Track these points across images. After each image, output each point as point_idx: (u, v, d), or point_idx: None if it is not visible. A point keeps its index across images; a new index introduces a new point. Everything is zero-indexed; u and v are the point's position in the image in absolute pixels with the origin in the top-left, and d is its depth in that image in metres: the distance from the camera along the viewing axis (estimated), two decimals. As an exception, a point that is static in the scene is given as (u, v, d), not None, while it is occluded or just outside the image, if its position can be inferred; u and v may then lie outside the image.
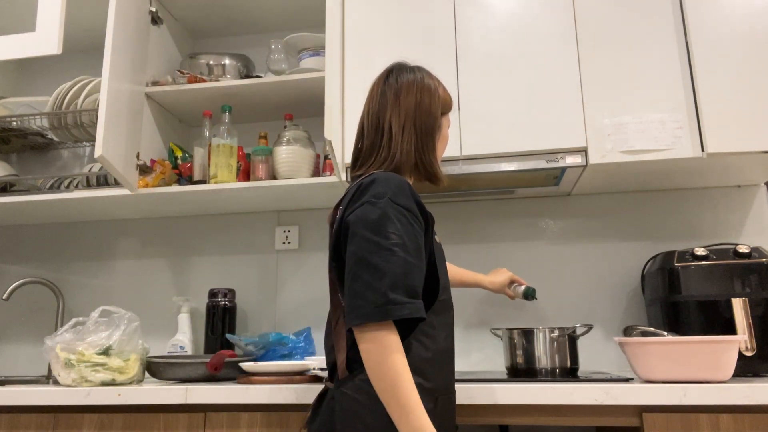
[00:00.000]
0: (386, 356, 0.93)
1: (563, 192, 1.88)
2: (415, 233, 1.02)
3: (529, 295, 1.61)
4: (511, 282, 1.66)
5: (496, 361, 1.85)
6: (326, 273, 2.01)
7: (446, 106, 1.21)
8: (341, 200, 1.10)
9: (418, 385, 0.97)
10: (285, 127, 1.91)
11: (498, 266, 1.90)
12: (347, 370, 1.03)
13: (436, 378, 1.04)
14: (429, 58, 1.70)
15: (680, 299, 1.51)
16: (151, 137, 1.95)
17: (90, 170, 2.02)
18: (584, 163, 1.57)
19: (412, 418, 0.91)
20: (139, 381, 1.57)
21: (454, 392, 1.12)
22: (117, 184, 1.91)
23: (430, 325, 1.06)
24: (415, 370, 0.99)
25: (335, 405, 1.02)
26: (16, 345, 2.18)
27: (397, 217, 1.00)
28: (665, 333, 1.35)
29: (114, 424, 1.41)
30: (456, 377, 1.44)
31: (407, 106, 1.13)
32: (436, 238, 1.15)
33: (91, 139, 2.09)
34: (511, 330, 1.55)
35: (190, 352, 1.92)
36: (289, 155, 1.82)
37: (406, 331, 1.02)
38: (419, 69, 1.20)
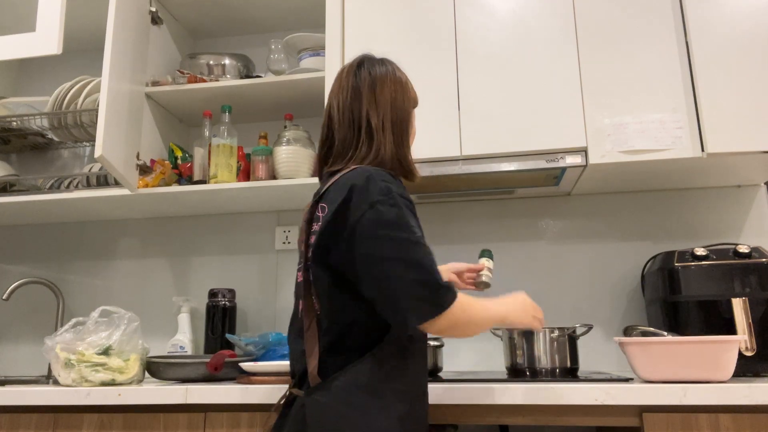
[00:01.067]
0: (465, 322, 0.99)
1: (563, 192, 1.88)
2: (420, 225, 1.04)
3: (486, 254, 1.50)
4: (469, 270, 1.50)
5: (496, 361, 1.85)
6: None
7: (415, 101, 1.21)
8: (322, 196, 1.06)
9: (394, 389, 1.00)
10: (285, 127, 1.91)
11: (498, 266, 1.90)
12: (319, 376, 1.00)
13: (414, 380, 1.05)
14: (429, 58, 1.70)
15: (680, 299, 1.51)
16: (151, 137, 1.95)
17: (90, 170, 2.02)
18: (584, 163, 1.57)
19: (495, 313, 1.06)
20: (139, 381, 1.57)
21: (427, 393, 1.11)
22: (117, 184, 1.91)
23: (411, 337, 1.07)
24: (390, 376, 1.01)
25: (306, 414, 0.98)
26: (16, 345, 2.18)
27: (408, 212, 1.01)
28: (665, 333, 1.35)
29: (114, 424, 1.40)
30: (456, 377, 1.45)
31: (384, 101, 1.11)
32: None
33: (91, 139, 2.09)
34: (511, 330, 1.55)
35: (190, 352, 1.92)
36: (289, 155, 1.82)
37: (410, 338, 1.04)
38: (389, 62, 1.19)
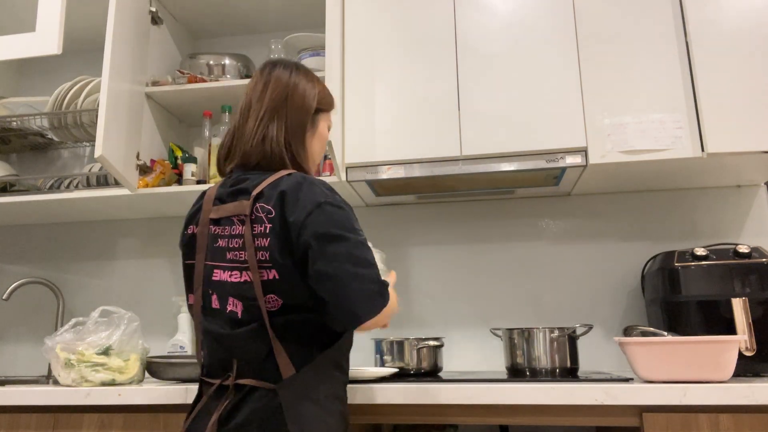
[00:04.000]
0: (391, 313, 1.08)
1: (563, 192, 1.88)
2: None
3: None
4: None
5: (496, 361, 1.85)
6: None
7: (323, 103, 1.22)
8: (258, 197, 1.07)
9: (339, 379, 1.11)
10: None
11: (498, 266, 1.90)
12: (293, 368, 1.03)
13: (346, 369, 1.15)
14: (429, 58, 1.70)
15: (680, 299, 1.51)
16: (151, 137, 1.95)
17: (90, 170, 2.02)
18: (584, 163, 1.57)
19: (394, 299, 1.10)
20: (139, 381, 1.57)
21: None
22: (117, 184, 1.91)
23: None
24: (338, 365, 1.11)
25: (283, 404, 1.00)
26: (16, 345, 2.18)
27: (353, 216, 1.09)
28: (665, 333, 1.35)
29: (114, 424, 1.40)
30: (456, 377, 1.45)
31: (274, 99, 1.15)
32: None
33: (91, 139, 2.09)
34: (511, 330, 1.55)
35: (190, 352, 1.92)
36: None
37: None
38: (296, 66, 1.22)
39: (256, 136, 1.13)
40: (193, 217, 1.19)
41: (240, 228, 1.08)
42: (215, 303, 1.10)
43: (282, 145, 1.14)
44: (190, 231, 1.18)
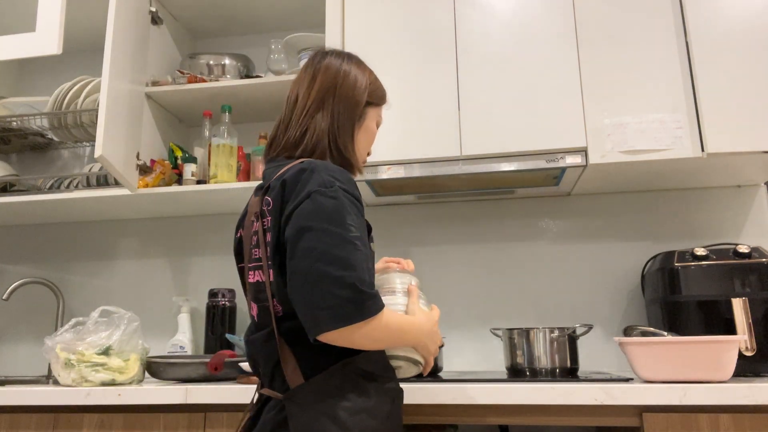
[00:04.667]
0: (379, 339, 0.93)
1: (563, 192, 1.88)
2: (364, 227, 0.98)
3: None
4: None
5: (496, 361, 1.85)
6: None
7: (374, 97, 1.14)
8: (268, 190, 1.02)
9: (370, 389, 0.96)
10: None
11: (498, 266, 1.90)
12: (302, 377, 0.95)
13: (391, 377, 1.03)
14: (429, 58, 1.70)
15: (680, 299, 1.51)
16: (151, 137, 1.95)
17: (90, 170, 2.02)
18: (584, 163, 1.57)
19: (411, 332, 0.99)
20: (139, 381, 1.57)
21: (402, 390, 1.07)
22: (117, 184, 1.91)
23: None
24: (368, 374, 0.97)
25: (290, 418, 0.92)
26: (16, 345, 2.18)
27: (351, 208, 0.95)
28: (665, 333, 1.35)
29: (114, 424, 1.40)
30: (456, 377, 1.45)
31: (323, 87, 1.09)
32: (372, 245, 1.07)
33: (91, 139, 2.09)
34: (511, 330, 1.55)
35: (190, 352, 1.92)
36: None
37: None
38: (349, 56, 1.15)
39: (300, 127, 1.06)
40: (241, 221, 1.12)
41: (257, 224, 1.01)
42: (250, 306, 1.07)
43: (326, 136, 1.06)
44: (238, 235, 1.13)
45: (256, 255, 1.02)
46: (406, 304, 1.04)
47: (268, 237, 0.99)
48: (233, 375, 1.57)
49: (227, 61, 1.97)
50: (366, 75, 1.14)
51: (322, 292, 0.88)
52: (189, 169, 1.87)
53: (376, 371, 0.98)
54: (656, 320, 1.61)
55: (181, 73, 1.96)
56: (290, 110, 1.10)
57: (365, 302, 0.88)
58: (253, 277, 1.03)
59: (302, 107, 1.08)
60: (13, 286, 1.97)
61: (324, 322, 0.88)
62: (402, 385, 1.27)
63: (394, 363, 1.03)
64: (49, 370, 1.99)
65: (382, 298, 0.98)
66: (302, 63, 1.89)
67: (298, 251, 0.91)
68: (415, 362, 1.04)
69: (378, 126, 1.18)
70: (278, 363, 0.97)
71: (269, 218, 0.99)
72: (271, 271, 0.98)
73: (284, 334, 0.97)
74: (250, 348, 1.05)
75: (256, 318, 1.03)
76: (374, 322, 0.90)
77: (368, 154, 1.19)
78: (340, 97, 1.09)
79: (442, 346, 1.08)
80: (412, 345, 1.01)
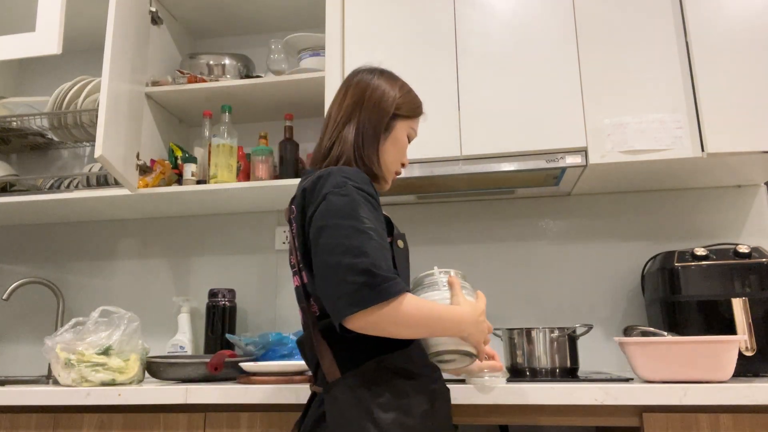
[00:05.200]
0: (408, 318, 0.93)
1: (563, 192, 1.88)
2: (381, 221, 1.01)
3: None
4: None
5: (496, 361, 1.85)
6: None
7: (402, 109, 1.16)
8: (296, 197, 1.07)
9: (404, 387, 0.98)
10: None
11: (498, 266, 1.90)
12: (338, 372, 0.99)
13: (434, 377, 1.05)
14: (429, 58, 1.70)
15: (680, 299, 1.51)
16: (151, 137, 1.95)
17: (90, 170, 2.02)
18: (584, 163, 1.57)
19: (451, 320, 0.98)
20: (139, 381, 1.57)
21: (448, 390, 1.10)
22: (117, 184, 1.91)
23: None
24: (404, 372, 0.99)
25: (326, 411, 0.98)
26: (16, 345, 2.18)
27: (364, 203, 0.98)
28: (665, 333, 1.35)
29: (114, 424, 1.40)
30: (456, 377, 1.44)
31: (352, 101, 1.14)
32: (399, 242, 1.10)
33: (91, 139, 2.09)
34: (511, 330, 1.55)
35: (190, 352, 1.92)
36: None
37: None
38: (381, 72, 1.19)
39: (330, 140, 1.12)
40: None
41: (288, 233, 1.10)
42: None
43: (350, 146, 1.10)
44: None
45: (291, 262, 1.10)
46: (449, 297, 1.05)
47: (296, 243, 1.05)
48: (233, 375, 1.58)
49: (227, 61, 1.97)
50: (395, 88, 1.17)
51: (339, 280, 0.91)
52: (189, 169, 1.87)
53: (414, 370, 1.01)
54: (656, 320, 1.61)
55: (181, 73, 1.96)
56: (325, 125, 1.17)
57: (380, 285, 0.90)
58: (294, 283, 1.10)
59: (334, 121, 1.14)
60: (13, 286, 1.97)
61: (343, 308, 0.91)
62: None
63: (446, 357, 1.04)
64: (49, 370, 1.99)
65: (425, 293, 1.05)
66: (302, 63, 1.91)
67: (318, 249, 0.96)
68: (466, 353, 1.04)
69: (411, 138, 1.21)
70: (319, 361, 1.03)
71: (295, 225, 1.05)
72: (303, 273, 1.04)
73: (322, 332, 1.02)
74: (299, 349, 1.13)
75: (302, 321, 1.10)
76: (393, 303, 0.91)
77: (403, 166, 1.21)
78: (367, 110, 1.13)
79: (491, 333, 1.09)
80: (456, 334, 1.01)
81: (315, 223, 0.98)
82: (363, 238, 0.93)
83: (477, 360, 1.07)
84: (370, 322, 0.91)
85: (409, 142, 1.21)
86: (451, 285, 1.06)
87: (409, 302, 0.93)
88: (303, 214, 1.02)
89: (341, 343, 1.00)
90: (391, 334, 0.94)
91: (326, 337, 1.01)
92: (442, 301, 1.04)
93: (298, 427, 1.09)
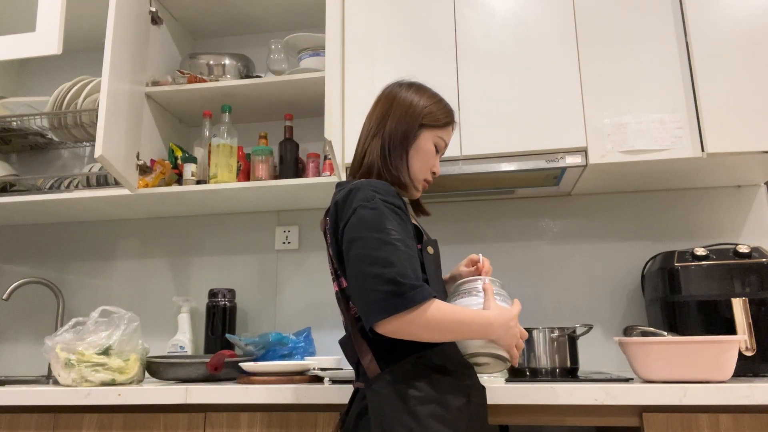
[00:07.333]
0: (438, 323, 0.98)
1: (563, 192, 1.88)
2: (408, 231, 1.06)
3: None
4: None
5: (496, 361, 1.85)
6: (326, 273, 2.01)
7: (429, 119, 1.18)
8: (330, 210, 1.12)
9: (441, 382, 1.03)
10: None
11: (498, 266, 1.90)
12: (378, 368, 1.05)
13: (468, 374, 1.08)
14: (429, 58, 1.70)
15: (680, 299, 1.51)
16: (151, 137, 1.95)
17: (90, 170, 2.02)
18: (584, 163, 1.57)
19: (479, 324, 1.02)
20: (139, 381, 1.57)
21: (484, 388, 1.11)
22: (117, 184, 1.91)
23: None
24: (440, 368, 1.04)
25: (369, 404, 1.03)
26: (16, 345, 2.18)
27: (391, 215, 1.04)
28: (665, 333, 1.35)
29: (114, 424, 1.41)
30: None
31: (381, 113, 1.19)
32: (429, 249, 1.15)
33: (91, 139, 2.09)
34: (511, 330, 1.55)
35: (190, 352, 1.92)
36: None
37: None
38: (410, 84, 1.22)
39: (362, 151, 1.18)
40: None
41: (327, 242, 1.16)
42: None
43: (377, 156, 1.15)
44: None
45: (330, 269, 1.16)
46: (482, 302, 1.08)
47: (331, 252, 1.12)
48: (233, 375, 1.58)
49: (227, 61, 1.97)
50: (423, 98, 1.20)
51: (368, 289, 0.98)
52: (189, 169, 1.87)
53: (449, 366, 1.06)
54: (656, 320, 1.61)
55: (181, 73, 1.96)
56: (359, 137, 1.22)
57: (406, 293, 0.96)
58: (334, 288, 1.16)
59: (365, 133, 1.20)
60: (13, 286, 1.97)
61: (373, 315, 0.97)
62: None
63: (480, 360, 1.08)
64: (49, 370, 1.99)
65: (459, 300, 1.11)
66: (302, 63, 1.91)
67: (350, 260, 1.02)
68: (499, 357, 1.07)
69: (439, 148, 1.22)
70: (360, 359, 1.09)
71: (330, 236, 1.11)
72: (342, 279, 1.11)
73: (361, 332, 1.08)
74: (342, 349, 1.17)
75: (343, 322, 1.16)
76: (420, 309, 0.97)
77: (434, 174, 1.23)
78: (393, 120, 1.17)
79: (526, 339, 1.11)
80: (484, 337, 1.04)
81: (347, 235, 1.04)
82: (390, 249, 0.99)
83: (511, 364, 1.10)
84: (398, 327, 0.97)
85: (439, 151, 1.22)
86: (484, 291, 1.10)
87: (436, 307, 0.98)
88: (336, 226, 1.08)
89: (380, 342, 1.05)
90: (420, 338, 0.99)
91: (365, 337, 1.07)
92: (475, 306, 1.07)
93: (342, 421, 1.14)
